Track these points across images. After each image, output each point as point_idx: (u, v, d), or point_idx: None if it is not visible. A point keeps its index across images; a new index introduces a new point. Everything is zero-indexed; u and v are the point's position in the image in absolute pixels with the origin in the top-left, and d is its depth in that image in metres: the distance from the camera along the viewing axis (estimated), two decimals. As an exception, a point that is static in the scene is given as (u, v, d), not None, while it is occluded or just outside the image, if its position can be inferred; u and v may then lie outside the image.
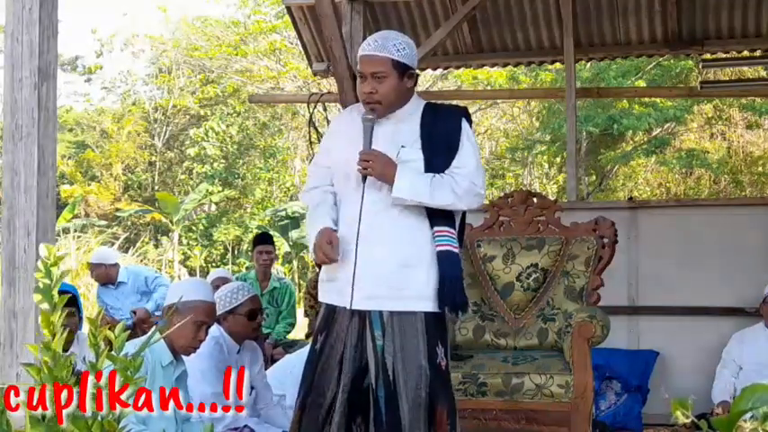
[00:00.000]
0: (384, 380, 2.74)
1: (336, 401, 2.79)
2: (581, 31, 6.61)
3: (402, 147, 2.81)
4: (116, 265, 6.66)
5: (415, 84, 2.91)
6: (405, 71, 2.83)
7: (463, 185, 2.80)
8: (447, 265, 2.79)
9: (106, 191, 18.61)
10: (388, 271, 2.77)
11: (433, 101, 3.12)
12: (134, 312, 6.19)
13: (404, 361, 2.74)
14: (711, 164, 14.20)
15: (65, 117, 20.02)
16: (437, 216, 2.82)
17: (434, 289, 2.80)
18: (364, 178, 2.80)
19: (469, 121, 2.94)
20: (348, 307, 2.79)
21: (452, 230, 2.85)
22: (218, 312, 3.69)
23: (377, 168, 2.77)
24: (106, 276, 6.56)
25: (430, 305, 2.80)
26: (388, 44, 2.82)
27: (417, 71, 2.93)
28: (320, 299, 2.95)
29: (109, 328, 1.58)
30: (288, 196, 17.98)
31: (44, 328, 1.54)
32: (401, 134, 2.84)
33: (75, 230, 13.16)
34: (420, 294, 2.79)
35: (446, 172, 2.82)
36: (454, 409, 2.85)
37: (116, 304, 6.50)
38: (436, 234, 2.81)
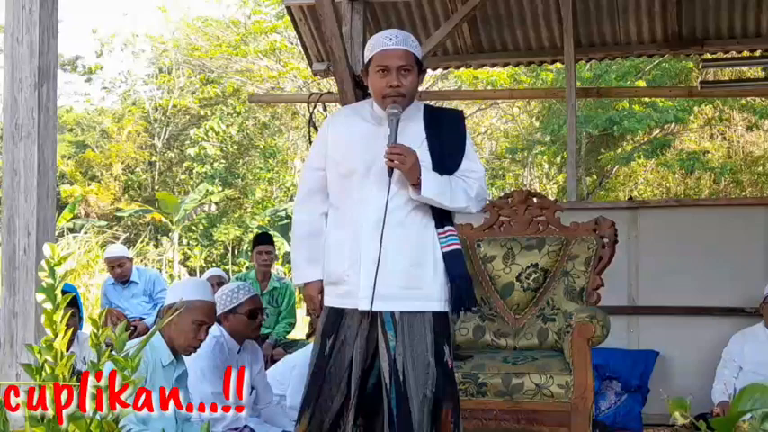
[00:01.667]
0: (395, 380, 2.74)
1: (349, 402, 2.79)
2: (581, 31, 6.62)
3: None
4: (131, 260, 6.77)
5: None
6: (419, 68, 2.86)
7: (475, 188, 2.83)
8: (456, 264, 2.80)
9: (106, 191, 18.59)
10: (402, 271, 2.76)
11: (427, 102, 3.13)
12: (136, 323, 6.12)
13: (413, 360, 2.74)
14: (711, 163, 14.19)
15: (65, 117, 20.01)
16: (442, 215, 2.82)
17: (441, 288, 2.80)
18: (390, 173, 2.71)
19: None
20: (367, 308, 2.72)
21: (455, 229, 2.86)
22: (219, 312, 3.69)
23: (408, 163, 2.69)
24: (128, 271, 6.57)
25: (437, 305, 2.80)
26: (408, 40, 2.84)
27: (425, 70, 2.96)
28: (325, 302, 2.90)
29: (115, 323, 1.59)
30: (288, 196, 17.96)
31: (47, 327, 1.55)
32: (406, 134, 2.80)
33: (81, 230, 13.16)
34: (429, 294, 2.79)
35: (456, 175, 2.82)
36: (458, 409, 2.85)
37: (122, 303, 6.49)
38: (447, 233, 2.81)
